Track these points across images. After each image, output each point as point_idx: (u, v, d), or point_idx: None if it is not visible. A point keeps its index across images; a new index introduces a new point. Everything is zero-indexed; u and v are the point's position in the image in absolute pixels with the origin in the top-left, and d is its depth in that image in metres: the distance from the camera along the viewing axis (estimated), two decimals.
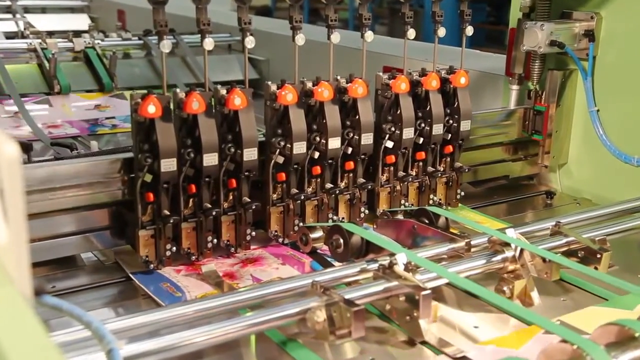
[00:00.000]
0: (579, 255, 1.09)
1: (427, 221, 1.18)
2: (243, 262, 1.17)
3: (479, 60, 1.89)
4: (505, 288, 1.02)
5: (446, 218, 1.17)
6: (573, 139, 1.59)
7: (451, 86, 1.36)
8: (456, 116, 1.36)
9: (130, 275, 1.11)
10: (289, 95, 1.16)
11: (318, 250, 1.19)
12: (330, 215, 1.28)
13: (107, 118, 2.11)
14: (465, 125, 1.37)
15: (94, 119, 2.10)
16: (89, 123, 2.06)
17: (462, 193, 1.43)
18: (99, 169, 1.11)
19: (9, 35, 2.73)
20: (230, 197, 1.17)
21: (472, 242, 1.08)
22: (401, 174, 1.34)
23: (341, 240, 1.09)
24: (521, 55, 1.55)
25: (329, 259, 1.16)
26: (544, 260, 1.04)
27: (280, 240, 1.24)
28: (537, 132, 1.57)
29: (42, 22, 3.08)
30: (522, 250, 1.04)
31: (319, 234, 1.17)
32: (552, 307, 1.02)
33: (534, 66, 1.54)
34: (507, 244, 1.04)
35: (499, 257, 1.04)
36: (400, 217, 1.24)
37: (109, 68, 2.31)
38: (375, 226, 1.24)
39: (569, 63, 1.54)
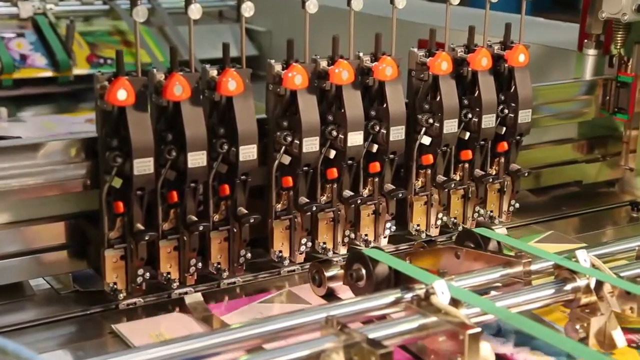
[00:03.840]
0: None
1: (473, 246, 1.18)
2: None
3: (544, 31, 1.90)
4: (578, 326, 1.03)
5: (498, 242, 1.17)
6: None
7: (506, 65, 1.36)
8: (513, 104, 1.37)
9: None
10: (297, 78, 1.18)
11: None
12: (347, 233, 1.29)
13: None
14: (524, 116, 1.38)
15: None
16: None
17: (517, 205, 1.43)
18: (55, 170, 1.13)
19: None
20: (223, 208, 1.19)
21: (533, 267, 1.09)
22: (441, 178, 1.36)
23: (363, 271, 1.10)
24: (598, 25, 1.56)
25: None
26: (627, 292, 1.04)
27: (286, 262, 1.26)
28: (621, 111, 1.57)
29: None
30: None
31: (335, 271, 1.17)
32: None
33: (616, 39, 1.55)
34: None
35: (569, 287, 1.05)
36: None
37: (65, 41, 2.34)
38: (408, 262, 1.24)
39: None
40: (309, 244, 1.26)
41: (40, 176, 1.12)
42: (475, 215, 1.40)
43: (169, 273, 1.16)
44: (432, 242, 1.26)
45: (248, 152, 1.15)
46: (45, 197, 1.15)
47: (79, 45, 2.36)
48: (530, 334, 0.95)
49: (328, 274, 1.16)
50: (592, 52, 1.58)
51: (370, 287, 1.08)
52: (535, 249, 1.16)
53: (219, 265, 1.20)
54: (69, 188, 1.14)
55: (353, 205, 1.28)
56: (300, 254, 1.26)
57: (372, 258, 1.09)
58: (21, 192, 1.11)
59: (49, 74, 2.29)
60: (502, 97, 1.37)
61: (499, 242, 1.17)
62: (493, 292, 1.08)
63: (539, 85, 1.47)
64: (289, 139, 1.20)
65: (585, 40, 1.58)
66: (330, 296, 1.17)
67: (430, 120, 1.31)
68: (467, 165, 1.38)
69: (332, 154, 1.24)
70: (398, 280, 1.06)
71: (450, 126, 1.32)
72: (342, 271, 1.15)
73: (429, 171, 1.35)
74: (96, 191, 1.12)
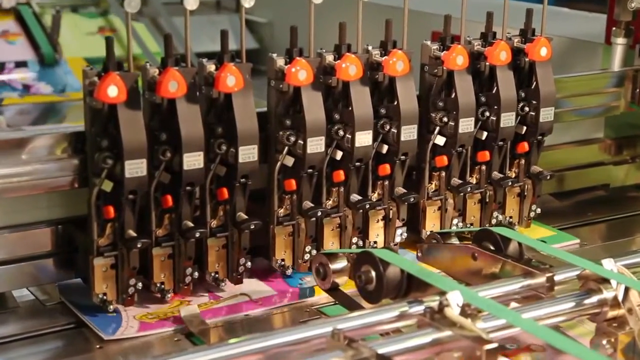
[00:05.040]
0: None
1: (492, 247, 1.19)
2: None
3: (568, 23, 1.90)
4: (605, 341, 1.03)
5: (519, 243, 1.18)
6: None
7: (527, 60, 1.37)
8: (534, 102, 1.38)
9: (82, 317, 1.14)
10: (301, 73, 1.18)
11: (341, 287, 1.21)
12: (354, 240, 1.30)
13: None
14: (546, 114, 1.38)
15: None
16: None
17: (538, 210, 1.43)
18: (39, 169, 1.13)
19: None
20: (221, 213, 1.19)
21: (556, 277, 1.09)
22: (456, 181, 1.36)
23: (373, 273, 1.10)
24: (627, 16, 1.56)
25: (354, 298, 1.18)
26: None
27: (289, 272, 1.26)
28: None
29: None
30: (627, 289, 1.05)
31: (342, 264, 1.18)
32: None
33: None
34: (606, 281, 1.06)
35: (595, 299, 1.05)
36: (454, 241, 1.25)
37: (50, 33, 2.35)
38: (419, 254, 1.26)
39: None
40: (314, 251, 1.26)
41: (24, 174, 1.12)
42: (494, 221, 1.41)
43: (162, 283, 1.17)
44: (447, 234, 1.26)
45: (248, 153, 1.16)
46: (29, 202, 1.16)
47: None
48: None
49: (333, 266, 1.16)
50: (620, 40, 1.57)
51: (380, 291, 1.08)
52: (560, 252, 1.16)
53: (217, 275, 1.20)
54: (55, 187, 1.14)
55: (361, 211, 1.28)
56: (304, 262, 1.26)
57: (382, 259, 1.09)
58: (3, 191, 1.11)
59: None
60: (523, 94, 1.38)
61: (520, 244, 1.18)
62: (513, 304, 1.08)
63: (562, 76, 1.47)
64: (292, 138, 1.21)
65: (614, 29, 1.58)
66: (335, 291, 1.18)
67: (445, 119, 1.32)
68: (484, 167, 1.38)
69: (339, 155, 1.25)
70: (410, 284, 1.06)
71: (466, 125, 1.32)
72: (349, 264, 1.15)
73: (443, 174, 1.36)
74: (85, 191, 1.12)
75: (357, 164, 1.26)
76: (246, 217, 1.19)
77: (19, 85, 2.28)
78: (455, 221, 1.38)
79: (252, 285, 1.24)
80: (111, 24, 2.49)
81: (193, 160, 1.12)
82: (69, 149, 1.13)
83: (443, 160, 1.34)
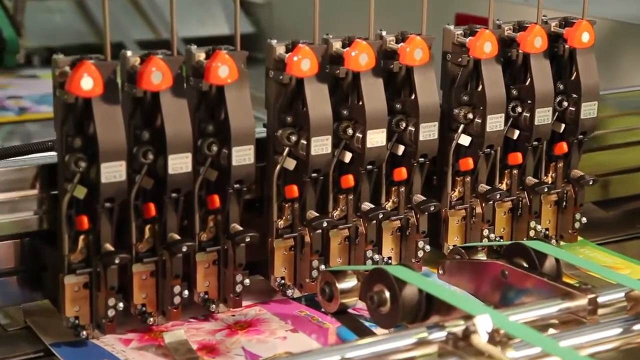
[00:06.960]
0: None
1: (525, 264, 1.19)
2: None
3: (614, 3, 1.90)
4: None
5: (556, 259, 1.19)
6: None
7: (566, 47, 1.38)
8: (574, 95, 1.38)
9: (50, 348, 1.14)
10: (304, 63, 1.19)
11: (350, 310, 1.21)
12: (370, 254, 1.31)
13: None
14: (588, 110, 1.38)
15: None
16: None
17: (584, 220, 1.44)
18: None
19: None
20: (211, 224, 1.20)
21: (600, 299, 1.10)
22: (483, 188, 1.37)
23: (387, 294, 1.11)
24: None
25: (367, 324, 1.18)
26: None
27: (290, 292, 1.27)
28: None
29: None
30: None
31: (351, 283, 1.18)
32: None
33: None
34: None
35: None
36: (481, 257, 1.25)
37: (14, 15, 2.36)
38: (441, 272, 1.26)
39: None
40: (322, 266, 1.26)
41: None
42: (532, 233, 1.40)
43: (143, 305, 1.17)
44: (473, 249, 1.26)
45: (243, 155, 1.16)
46: None
47: None
48: None
49: (341, 286, 1.16)
50: None
51: (395, 314, 1.09)
52: (604, 269, 1.16)
53: (207, 295, 1.21)
54: (19, 229, 1.16)
55: (374, 221, 1.29)
56: (313, 281, 1.26)
57: (398, 278, 1.09)
58: None
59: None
60: (561, 87, 1.38)
61: (557, 260, 1.18)
62: (551, 330, 1.09)
63: (605, 92, 1.46)
64: (294, 138, 1.21)
65: None
66: (344, 314, 1.18)
67: (470, 116, 1.32)
68: (516, 171, 1.39)
69: (348, 157, 1.25)
70: (430, 306, 1.07)
71: (495, 123, 1.33)
72: (359, 283, 1.16)
73: (469, 179, 1.36)
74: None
75: (369, 167, 1.27)
76: (241, 228, 1.19)
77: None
78: (485, 232, 1.38)
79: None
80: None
81: (179, 163, 1.13)
82: (36, 183, 1.15)
83: (468, 163, 1.34)
